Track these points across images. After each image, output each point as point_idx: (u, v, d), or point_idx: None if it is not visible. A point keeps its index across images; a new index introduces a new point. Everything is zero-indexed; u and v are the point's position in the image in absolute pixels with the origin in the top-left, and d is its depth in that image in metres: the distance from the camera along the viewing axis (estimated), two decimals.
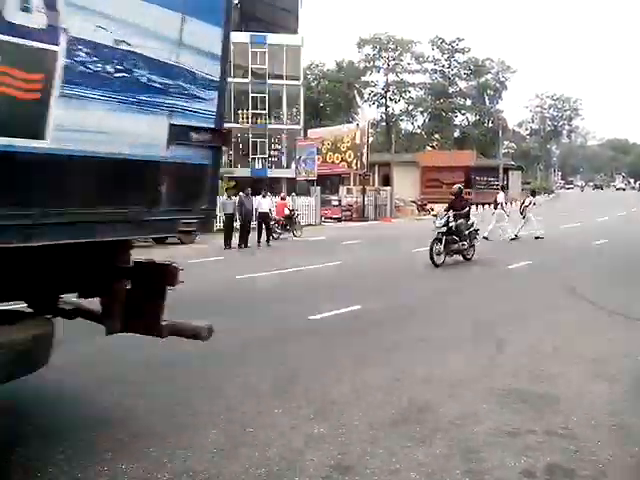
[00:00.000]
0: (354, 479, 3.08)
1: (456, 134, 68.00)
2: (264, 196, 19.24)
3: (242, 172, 34.84)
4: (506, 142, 69.66)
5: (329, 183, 37.67)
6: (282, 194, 24.03)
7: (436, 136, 67.82)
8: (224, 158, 36.62)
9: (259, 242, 17.95)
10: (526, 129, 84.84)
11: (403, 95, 65.63)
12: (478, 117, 67.47)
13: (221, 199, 20.81)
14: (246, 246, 17.79)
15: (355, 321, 7.02)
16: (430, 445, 3.48)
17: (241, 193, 19.23)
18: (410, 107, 66.45)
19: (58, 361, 3.49)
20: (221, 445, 3.50)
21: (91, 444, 3.48)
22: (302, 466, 3.23)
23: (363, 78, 63.70)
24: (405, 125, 70.61)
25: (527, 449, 3.42)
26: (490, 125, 65.66)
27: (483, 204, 42.15)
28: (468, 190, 47.40)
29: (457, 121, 68.99)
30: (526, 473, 3.15)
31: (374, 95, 65.44)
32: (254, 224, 19.10)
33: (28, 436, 3.53)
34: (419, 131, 68.77)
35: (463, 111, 67.56)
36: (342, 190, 35.48)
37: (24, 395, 4.04)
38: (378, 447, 3.46)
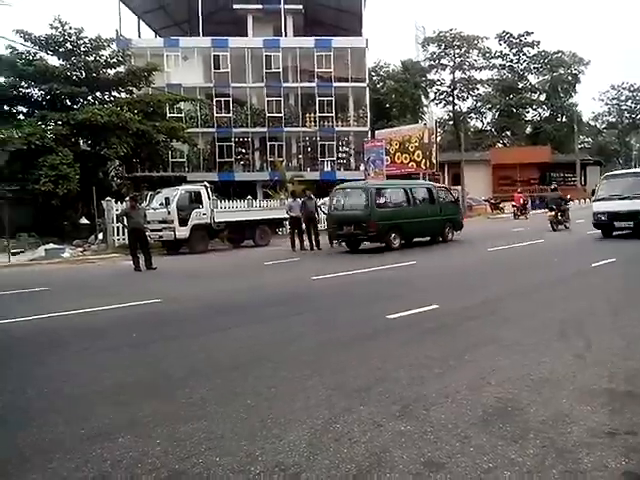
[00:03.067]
0: (446, 477, 3.03)
1: (528, 130, 65.92)
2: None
3: (311, 175, 35.12)
4: (582, 137, 66.83)
5: None
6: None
7: (507, 133, 66.00)
8: (294, 161, 37.18)
9: (331, 244, 18.05)
10: (602, 122, 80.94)
11: (471, 92, 64.26)
12: (551, 112, 65.10)
13: (287, 201, 21.27)
14: (318, 248, 17.93)
15: (434, 320, 6.91)
16: (523, 444, 3.37)
17: (297, 199, 19.55)
18: (478, 104, 64.96)
19: None
20: (309, 441, 3.53)
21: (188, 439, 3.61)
22: (391, 462, 3.21)
23: (429, 76, 62.86)
24: (474, 123, 69.19)
25: (628, 450, 3.26)
26: (564, 120, 63.23)
27: None
28: (543, 187, 45.96)
29: (528, 117, 66.88)
30: (630, 476, 3.00)
31: (441, 94, 64.45)
32: (322, 226, 19.32)
33: None
34: (489, 128, 67.13)
35: (534, 106, 65.37)
36: None
37: None
38: (468, 445, 3.39)
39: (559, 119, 64.36)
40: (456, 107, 65.24)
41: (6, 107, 26.53)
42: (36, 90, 26.78)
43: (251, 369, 5.20)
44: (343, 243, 17.52)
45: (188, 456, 3.35)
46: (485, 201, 40.46)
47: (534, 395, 4.19)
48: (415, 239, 17.60)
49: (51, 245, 19.91)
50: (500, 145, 63.52)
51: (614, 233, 16.25)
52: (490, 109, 64.93)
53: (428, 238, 18.06)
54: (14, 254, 18.77)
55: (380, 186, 17.79)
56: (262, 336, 6.60)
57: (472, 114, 66.21)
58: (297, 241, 18.30)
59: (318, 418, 3.88)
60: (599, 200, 16.71)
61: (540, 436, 3.48)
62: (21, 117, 26.73)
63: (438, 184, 22.57)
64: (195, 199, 19.26)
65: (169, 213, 18.15)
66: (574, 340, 5.66)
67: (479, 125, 68.80)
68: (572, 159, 49.48)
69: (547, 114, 65.43)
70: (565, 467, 3.09)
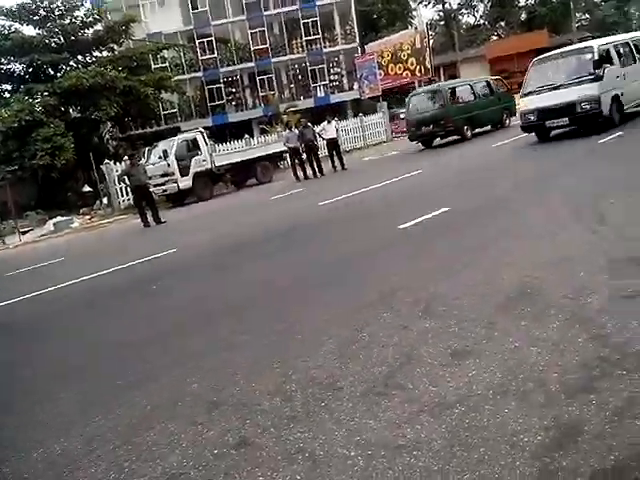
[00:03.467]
0: (475, 361, 3.11)
1: (523, 17, 63.04)
2: (329, 122, 19.02)
3: (305, 103, 34.39)
4: (578, 14, 63.80)
5: (395, 98, 36.49)
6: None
7: (501, 24, 63.28)
8: (286, 92, 36.31)
9: (334, 167, 17.90)
10: None
11: None
12: None
13: (283, 133, 20.97)
14: (322, 174, 17.83)
15: (446, 222, 6.92)
16: (546, 321, 3.43)
17: (292, 129, 19.28)
18: None
19: None
20: (338, 353, 3.62)
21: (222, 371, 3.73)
22: (420, 357, 3.30)
23: None
24: (466, 19, 66.32)
25: None
26: None
27: None
28: None
29: (522, 2, 63.80)
30: None
31: None
32: (323, 152, 19.12)
33: None
34: (482, 22, 64.35)
35: None
36: None
37: None
38: (492, 331, 3.46)
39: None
40: (446, 5, 62.30)
41: None
42: (17, 64, 26.27)
43: (270, 297, 5.32)
44: (419, 143, 19.33)
45: (224, 387, 3.47)
46: None
47: (552, 275, 4.22)
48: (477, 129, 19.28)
49: (59, 218, 20.05)
50: (495, 38, 61.09)
51: (552, 134, 12.92)
52: (481, 1, 62.04)
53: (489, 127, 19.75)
54: (24, 233, 18.99)
55: (452, 85, 19.92)
56: (277, 265, 6.69)
57: (463, 10, 63.31)
58: (299, 171, 18.18)
59: (344, 330, 3.97)
60: (527, 95, 12.85)
61: (562, 310, 3.53)
62: (7, 95, 26.33)
63: (492, 77, 25.06)
64: (192, 147, 19.04)
65: (169, 165, 18.03)
66: (587, 220, 5.61)
67: (471, 21, 65.85)
68: (569, 39, 47.54)
69: None
70: (589, 334, 3.15)
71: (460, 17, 63.91)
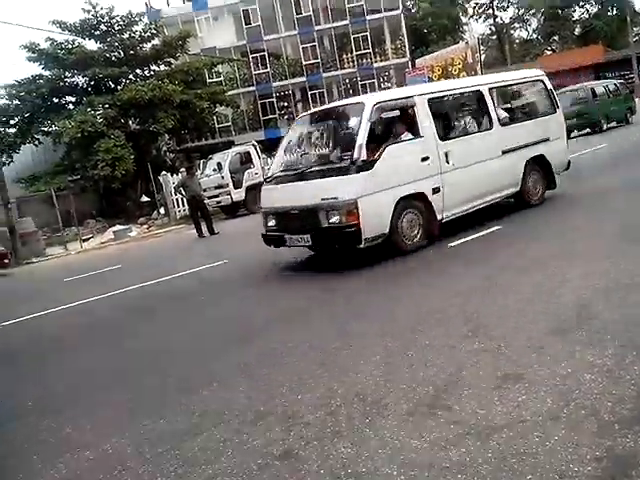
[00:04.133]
0: (525, 386, 3.04)
1: (577, 31, 61.61)
2: None
3: None
4: (635, 29, 61.90)
5: None
6: None
7: (554, 38, 62.05)
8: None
9: None
10: None
11: (512, 0, 60.49)
12: (599, 6, 60.43)
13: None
14: None
15: (496, 242, 6.82)
16: (600, 347, 3.32)
17: None
18: (521, 11, 61.15)
19: None
20: (384, 367, 3.61)
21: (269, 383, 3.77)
22: (468, 380, 3.25)
23: None
24: (518, 33, 65.39)
25: None
26: (615, 13, 58.62)
27: None
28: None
29: (576, 16, 62.43)
30: None
31: (480, 7, 60.91)
32: None
33: None
34: (535, 36, 63.31)
35: (582, 3, 60.86)
36: None
37: None
38: (544, 355, 3.38)
39: (610, 13, 59.74)
40: (497, 19, 61.68)
41: (55, 100, 27.31)
42: (80, 77, 27.37)
43: (320, 309, 5.34)
44: None
45: (271, 398, 3.50)
46: None
47: (607, 300, 4.09)
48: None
49: (118, 226, 20.79)
50: (549, 52, 59.90)
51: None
52: (534, 15, 61.01)
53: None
54: (84, 240, 19.77)
55: (592, 86, 22.24)
56: (324, 280, 6.71)
57: (515, 24, 62.43)
58: None
59: (390, 348, 3.96)
60: (268, 182, 7.66)
61: (617, 337, 3.42)
62: (70, 107, 27.48)
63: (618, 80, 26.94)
64: (246, 160, 19.39)
65: (223, 177, 18.40)
66: None
67: (524, 35, 64.87)
68: (627, 54, 46.08)
69: (596, 10, 60.86)
70: None
71: (512, 31, 63.00)
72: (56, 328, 7.15)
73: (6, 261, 15.25)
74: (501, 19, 61.79)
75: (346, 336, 4.40)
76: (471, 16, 60.23)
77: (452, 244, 6.96)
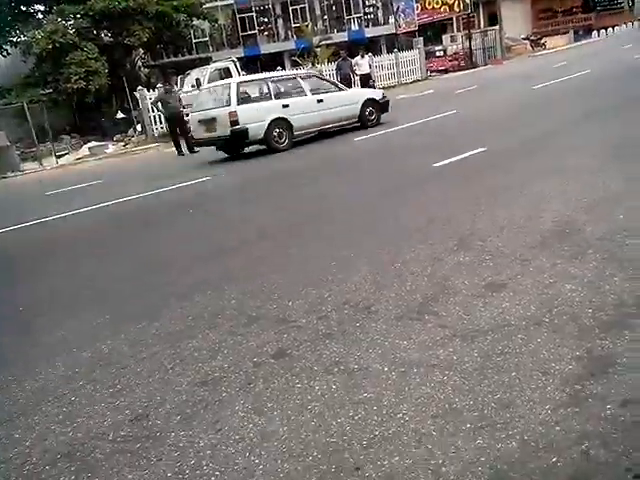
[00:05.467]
0: (509, 294, 3.16)
1: None
2: (362, 56, 18.62)
3: (339, 37, 33.44)
4: None
5: (430, 34, 35.24)
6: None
7: None
8: (319, 24, 35.27)
9: None
10: None
11: None
12: None
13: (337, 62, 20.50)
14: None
15: (482, 161, 6.86)
16: (582, 260, 3.44)
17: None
18: None
19: None
20: (372, 280, 3.71)
21: (260, 290, 3.86)
22: (454, 288, 3.36)
23: None
24: None
25: None
26: None
27: (606, 28, 37.69)
28: (587, 15, 42.44)
29: None
30: None
31: None
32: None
33: None
34: None
35: None
36: (445, 38, 33.16)
37: None
38: (528, 267, 3.49)
39: None
40: None
41: (23, 7, 25.80)
42: None
43: (306, 224, 5.42)
44: None
45: (263, 304, 3.59)
46: (524, 39, 37.85)
47: (590, 215, 4.20)
48: None
49: (93, 143, 20.30)
50: None
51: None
52: None
53: None
54: (59, 156, 19.33)
55: None
56: (312, 196, 6.75)
57: None
58: None
59: (378, 259, 4.05)
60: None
61: (599, 250, 3.53)
62: (39, 16, 26.05)
63: None
64: (225, 76, 18.77)
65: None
66: (627, 163, 5.51)
67: None
68: None
69: None
70: (626, 275, 3.16)
71: None
72: (51, 237, 7.18)
73: None
74: None
75: (334, 248, 4.46)
76: None
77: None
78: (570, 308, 2.91)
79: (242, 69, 21.37)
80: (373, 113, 12.80)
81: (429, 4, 31.64)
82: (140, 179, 11.54)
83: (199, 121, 11.72)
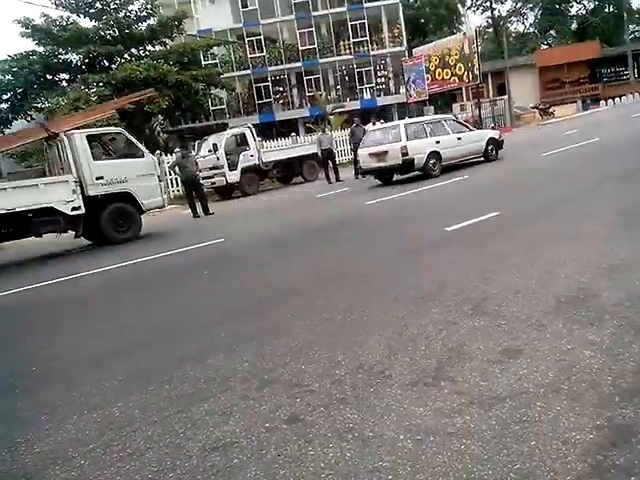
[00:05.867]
0: (526, 360, 3.11)
1: (573, 27, 61.67)
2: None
3: (352, 105, 34.50)
4: (632, 26, 62.03)
5: (440, 102, 36.23)
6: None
7: (551, 33, 62.11)
8: (333, 93, 36.40)
9: None
10: None
11: None
12: (597, 3, 60.45)
13: (316, 135, 21.06)
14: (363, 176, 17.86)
15: (494, 226, 6.89)
16: (599, 326, 3.40)
17: (327, 132, 19.56)
18: (518, 5, 61.08)
19: None
20: (386, 344, 3.67)
21: (273, 353, 3.83)
22: (470, 353, 3.32)
23: None
24: (515, 27, 65.34)
25: None
26: (612, 10, 58.69)
27: (613, 97, 38.54)
28: (594, 85, 43.56)
29: (573, 11, 62.41)
30: None
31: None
32: None
33: None
34: (531, 30, 63.30)
35: None
36: (455, 107, 34.01)
37: None
38: (544, 332, 3.45)
39: (606, 10, 59.81)
40: (495, 12, 61.64)
41: (49, 76, 27.05)
42: (74, 55, 27.17)
43: (322, 288, 5.39)
44: None
45: (275, 367, 3.56)
46: (533, 108, 38.75)
47: (606, 281, 4.18)
48: None
49: None
50: (544, 47, 59.93)
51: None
52: (532, 9, 61.00)
53: None
54: None
55: None
56: (326, 258, 6.77)
57: (512, 17, 62.41)
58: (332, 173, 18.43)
59: (392, 323, 4.02)
60: None
61: (616, 317, 3.49)
62: (64, 84, 27.23)
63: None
64: (241, 142, 19.36)
65: (218, 159, 18.37)
66: (638, 230, 5.52)
67: (520, 29, 64.98)
68: (623, 51, 46.23)
69: (592, 6, 60.89)
70: None
71: (509, 24, 62.94)
72: (70, 295, 7.27)
73: None
74: (499, 11, 61.74)
75: (347, 312, 4.45)
76: (469, 7, 60.20)
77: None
78: (589, 375, 2.86)
79: (258, 135, 21.98)
80: (493, 149, 15.48)
81: (439, 75, 32.64)
82: (154, 240, 11.69)
83: (370, 154, 14.46)
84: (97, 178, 11.38)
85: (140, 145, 12.49)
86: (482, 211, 7.60)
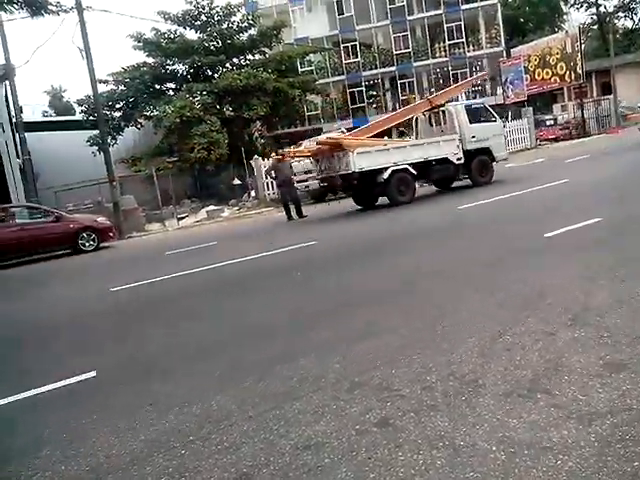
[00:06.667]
0: (630, 375, 2.96)
1: None
2: None
3: None
4: None
5: (540, 103, 34.76)
6: None
7: None
8: (426, 96, 35.93)
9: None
10: None
11: None
12: None
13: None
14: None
15: (597, 232, 6.56)
16: None
17: None
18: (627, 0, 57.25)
19: None
20: (480, 352, 3.60)
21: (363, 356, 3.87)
22: (569, 365, 3.19)
23: None
24: (622, 23, 61.29)
25: None
26: None
27: None
28: None
29: None
30: None
31: None
32: None
33: None
34: None
35: None
36: (556, 108, 32.51)
37: None
38: None
39: None
40: (600, 8, 58.14)
41: (157, 86, 28.74)
42: (180, 65, 28.71)
43: (410, 290, 5.37)
44: None
45: (365, 370, 3.59)
46: None
47: None
48: None
49: (211, 207, 21.86)
50: None
51: None
52: None
53: None
54: (180, 219, 20.93)
55: None
56: (416, 261, 6.71)
57: (619, 13, 58.51)
58: None
59: (486, 331, 3.93)
60: None
61: None
62: (170, 93, 28.84)
63: None
64: None
65: (312, 163, 18.66)
66: None
67: (629, 25, 60.86)
68: None
69: None
70: None
71: (616, 20, 59.03)
72: (163, 294, 7.64)
73: (111, 234, 16.38)
74: (605, 7, 58.14)
75: (441, 317, 4.40)
76: (572, 5, 57.24)
77: None
78: None
79: None
80: None
81: (539, 75, 31.37)
82: (251, 242, 12.10)
83: None
84: (471, 137, 15.12)
85: (494, 113, 16.38)
86: (585, 216, 7.25)
